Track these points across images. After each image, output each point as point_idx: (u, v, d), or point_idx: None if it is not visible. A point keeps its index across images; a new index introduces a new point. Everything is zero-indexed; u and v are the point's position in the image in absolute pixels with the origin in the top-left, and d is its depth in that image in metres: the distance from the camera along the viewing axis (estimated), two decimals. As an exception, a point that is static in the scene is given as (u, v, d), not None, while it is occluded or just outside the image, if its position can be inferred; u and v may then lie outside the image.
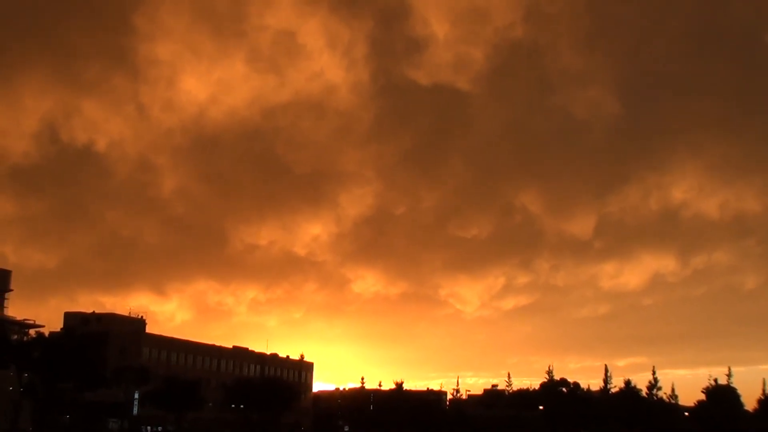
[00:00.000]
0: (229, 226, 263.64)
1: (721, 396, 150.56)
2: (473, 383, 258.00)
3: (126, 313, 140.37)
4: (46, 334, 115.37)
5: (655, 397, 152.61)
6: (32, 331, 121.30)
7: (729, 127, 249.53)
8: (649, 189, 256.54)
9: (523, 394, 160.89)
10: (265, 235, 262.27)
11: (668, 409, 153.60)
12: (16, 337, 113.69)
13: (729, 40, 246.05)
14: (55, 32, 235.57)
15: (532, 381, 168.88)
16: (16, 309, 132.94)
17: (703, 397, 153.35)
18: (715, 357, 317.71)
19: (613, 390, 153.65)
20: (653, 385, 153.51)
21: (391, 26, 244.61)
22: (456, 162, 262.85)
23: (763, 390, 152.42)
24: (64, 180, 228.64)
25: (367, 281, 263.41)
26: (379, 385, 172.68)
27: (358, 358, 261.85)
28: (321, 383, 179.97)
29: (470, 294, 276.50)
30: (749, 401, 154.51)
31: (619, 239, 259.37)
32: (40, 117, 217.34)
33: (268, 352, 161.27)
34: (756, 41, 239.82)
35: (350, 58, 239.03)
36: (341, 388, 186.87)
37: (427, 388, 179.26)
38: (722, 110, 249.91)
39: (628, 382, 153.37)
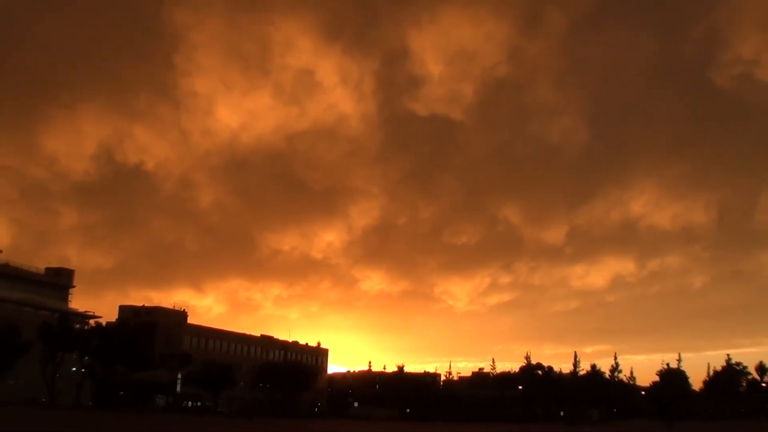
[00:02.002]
0: (256, 233, 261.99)
1: (673, 378, 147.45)
2: (463, 367, 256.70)
3: (170, 307, 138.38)
4: (104, 324, 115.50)
5: (616, 379, 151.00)
6: (92, 322, 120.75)
7: (679, 150, 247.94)
8: (612, 203, 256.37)
9: (506, 377, 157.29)
10: (287, 242, 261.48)
11: (627, 389, 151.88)
12: (78, 326, 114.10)
13: (679, 77, 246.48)
14: (110, 70, 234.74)
15: (513, 365, 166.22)
16: (78, 303, 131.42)
17: (657, 378, 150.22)
18: (668, 345, 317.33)
19: (581, 373, 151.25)
20: (615, 369, 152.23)
21: (394, 66, 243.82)
22: (449, 180, 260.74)
23: (708, 373, 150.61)
24: (118, 195, 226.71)
25: (373, 280, 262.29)
26: (384, 368, 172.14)
27: (365, 345, 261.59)
28: (334, 366, 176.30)
29: (461, 292, 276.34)
30: (696, 382, 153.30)
31: (587, 246, 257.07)
32: (98, 141, 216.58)
33: (290, 340, 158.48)
34: (701, 77, 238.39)
35: (359, 92, 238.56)
36: (352, 371, 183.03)
37: (424, 371, 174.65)
38: (674, 136, 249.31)
39: (593, 366, 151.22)
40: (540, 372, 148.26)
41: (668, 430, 74.69)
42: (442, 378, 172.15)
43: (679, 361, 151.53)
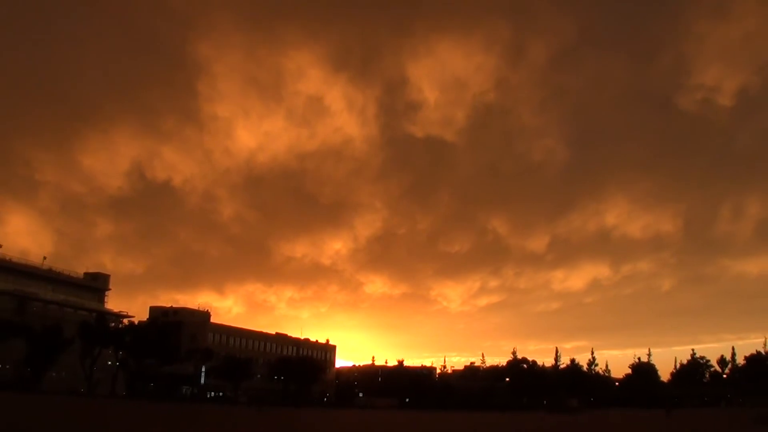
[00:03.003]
0: (271, 242, 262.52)
1: (643, 370, 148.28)
2: (456, 361, 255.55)
3: (195, 308, 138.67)
4: (136, 323, 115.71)
5: (593, 372, 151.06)
6: (125, 321, 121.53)
7: (648, 168, 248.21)
8: (589, 215, 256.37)
9: (494, 370, 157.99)
10: (299, 250, 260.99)
11: (603, 380, 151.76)
12: (113, 325, 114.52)
13: (648, 102, 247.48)
14: (141, 96, 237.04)
15: (501, 360, 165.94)
16: (113, 304, 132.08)
17: (629, 371, 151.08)
18: (639, 341, 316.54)
19: (561, 366, 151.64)
20: (592, 363, 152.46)
21: (394, 93, 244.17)
22: (443, 195, 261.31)
23: (675, 366, 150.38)
24: (148, 208, 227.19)
25: (376, 284, 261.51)
26: (385, 363, 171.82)
27: (369, 342, 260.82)
28: (341, 361, 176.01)
29: (454, 294, 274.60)
30: (664, 374, 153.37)
31: (566, 253, 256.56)
32: (130, 160, 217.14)
33: (302, 337, 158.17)
34: (667, 102, 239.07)
35: (363, 116, 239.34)
36: (357, 365, 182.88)
37: (422, 365, 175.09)
38: (643, 155, 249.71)
39: (573, 361, 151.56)
40: (525, 366, 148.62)
41: (667, 418, 74.95)
42: (438, 371, 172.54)
43: (649, 355, 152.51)
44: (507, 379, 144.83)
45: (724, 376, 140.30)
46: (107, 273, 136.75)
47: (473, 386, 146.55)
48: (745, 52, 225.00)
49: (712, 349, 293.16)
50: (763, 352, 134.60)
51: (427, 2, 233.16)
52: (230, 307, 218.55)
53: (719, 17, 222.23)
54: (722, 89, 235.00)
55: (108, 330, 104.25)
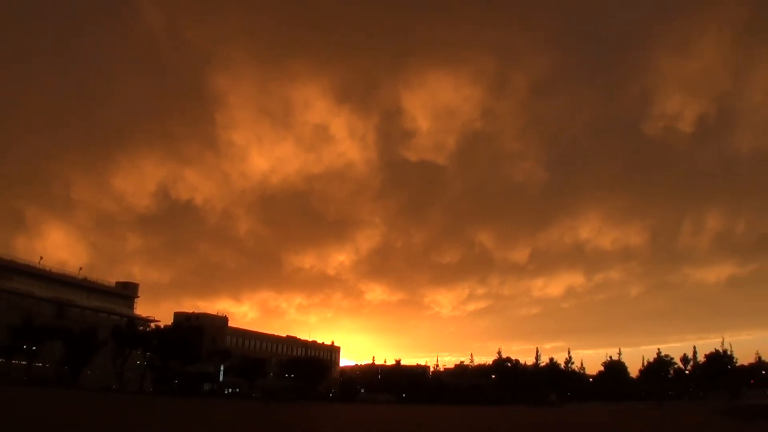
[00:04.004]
0: (282, 254, 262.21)
1: (614, 368, 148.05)
2: (448, 360, 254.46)
3: (214, 313, 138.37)
4: (161, 327, 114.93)
5: (569, 369, 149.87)
6: (152, 325, 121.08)
7: (618, 187, 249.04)
8: (565, 230, 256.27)
9: (482, 368, 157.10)
10: (307, 261, 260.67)
11: (578, 376, 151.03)
12: (141, 328, 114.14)
13: (617, 129, 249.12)
14: (166, 124, 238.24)
15: (488, 359, 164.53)
16: (141, 310, 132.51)
17: (602, 368, 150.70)
18: (610, 341, 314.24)
19: (541, 364, 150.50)
20: (568, 361, 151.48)
21: (391, 121, 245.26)
22: (435, 212, 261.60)
23: (642, 363, 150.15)
24: (172, 224, 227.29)
25: (376, 292, 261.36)
26: (384, 362, 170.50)
27: (370, 343, 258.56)
28: (345, 360, 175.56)
29: (445, 300, 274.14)
30: (633, 371, 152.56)
31: (545, 263, 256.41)
32: (157, 182, 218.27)
33: (310, 340, 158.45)
34: (635, 129, 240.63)
35: (364, 143, 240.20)
36: (359, 364, 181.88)
37: (417, 364, 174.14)
38: (613, 176, 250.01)
39: (551, 359, 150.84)
40: (509, 364, 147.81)
41: (658, 409, 75.51)
42: (431, 370, 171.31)
43: (619, 354, 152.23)
44: (493, 377, 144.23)
45: (687, 372, 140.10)
46: (136, 282, 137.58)
47: (463, 383, 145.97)
48: (703, 84, 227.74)
49: (676, 348, 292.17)
50: (721, 351, 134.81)
51: (420, 40, 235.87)
52: (246, 312, 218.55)
53: (679, 54, 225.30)
54: (683, 117, 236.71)
55: (137, 333, 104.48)
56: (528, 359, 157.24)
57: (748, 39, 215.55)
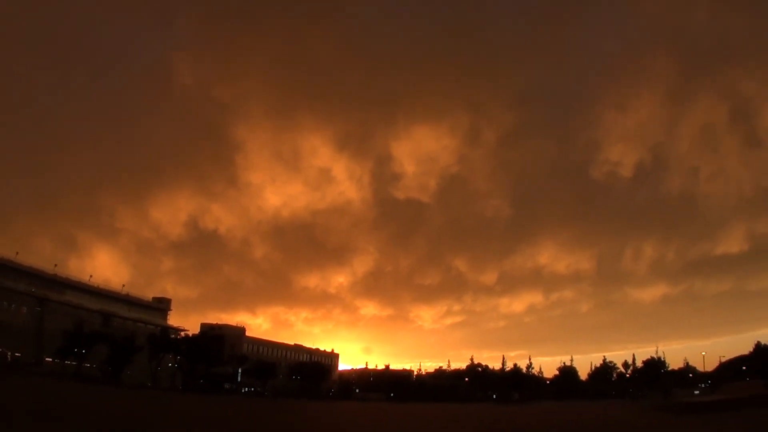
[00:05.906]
0: (291, 275, 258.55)
1: (567, 372, 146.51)
2: (429, 365, 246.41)
3: (234, 324, 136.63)
4: (190, 335, 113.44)
5: (530, 373, 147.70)
6: (182, 334, 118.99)
7: (570, 222, 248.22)
8: (527, 257, 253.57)
9: (457, 372, 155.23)
10: (312, 281, 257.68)
11: (537, 380, 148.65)
12: (173, 336, 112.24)
13: (570, 173, 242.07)
14: (196, 165, 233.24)
15: (462, 364, 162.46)
16: (173, 321, 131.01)
17: (557, 372, 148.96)
18: (564, 350, 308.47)
19: (507, 369, 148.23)
20: (529, 366, 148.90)
21: (383, 166, 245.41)
22: (419, 242, 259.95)
23: (591, 368, 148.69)
24: (200, 249, 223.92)
25: (369, 308, 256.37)
26: (376, 367, 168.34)
27: (363, 351, 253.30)
28: (343, 365, 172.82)
29: (427, 315, 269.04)
30: (583, 374, 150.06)
31: (511, 284, 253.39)
32: (188, 213, 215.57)
33: (314, 347, 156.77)
34: (583, 173, 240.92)
35: (360, 183, 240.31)
36: (354, 368, 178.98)
37: (403, 368, 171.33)
38: (566, 212, 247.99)
39: (515, 365, 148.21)
40: (480, 369, 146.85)
41: (632, 404, 74.96)
42: (415, 373, 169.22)
43: (572, 360, 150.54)
44: (467, 379, 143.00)
45: (627, 375, 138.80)
46: (169, 297, 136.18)
47: (442, 384, 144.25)
48: (640, 135, 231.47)
49: (619, 355, 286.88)
50: (656, 358, 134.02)
51: (407, 99, 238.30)
52: (260, 324, 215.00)
53: (620, 111, 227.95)
54: (623, 163, 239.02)
55: (169, 340, 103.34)
56: (496, 365, 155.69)
57: (677, 97, 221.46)
